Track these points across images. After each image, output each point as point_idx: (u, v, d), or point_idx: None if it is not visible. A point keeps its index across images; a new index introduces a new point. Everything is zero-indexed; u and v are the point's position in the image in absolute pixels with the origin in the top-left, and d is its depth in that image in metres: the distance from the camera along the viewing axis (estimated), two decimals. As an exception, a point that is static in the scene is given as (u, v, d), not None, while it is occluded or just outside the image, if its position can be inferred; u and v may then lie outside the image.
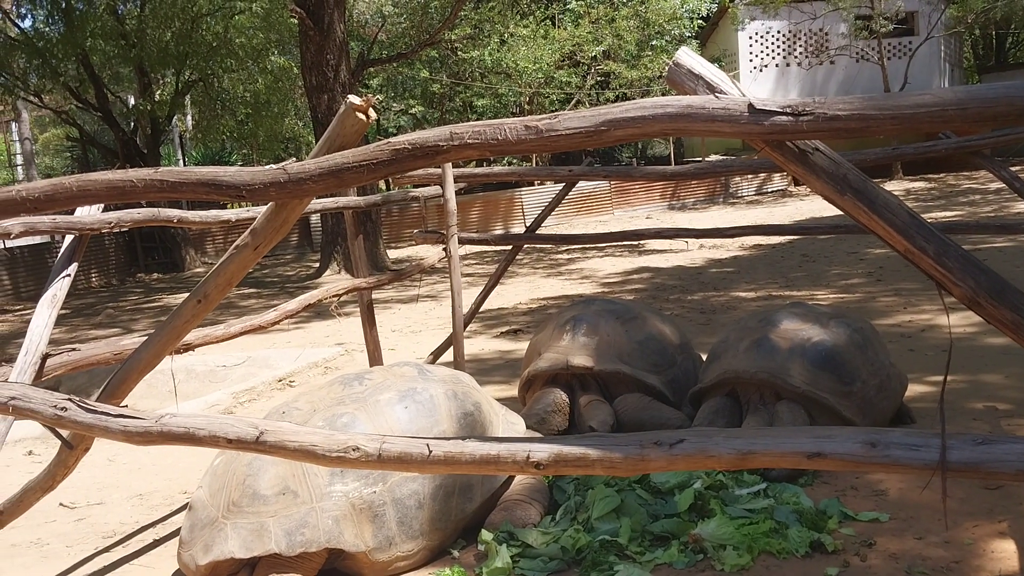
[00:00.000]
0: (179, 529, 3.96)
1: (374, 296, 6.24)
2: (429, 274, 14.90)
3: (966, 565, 3.40)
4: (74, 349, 3.66)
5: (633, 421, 5.05)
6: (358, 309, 6.46)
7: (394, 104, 28.66)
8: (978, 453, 1.85)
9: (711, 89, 2.01)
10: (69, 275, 3.73)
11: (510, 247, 7.11)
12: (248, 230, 2.63)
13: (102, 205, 3.83)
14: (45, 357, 3.50)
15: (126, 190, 2.45)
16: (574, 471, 2.18)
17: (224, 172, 2.33)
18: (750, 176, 26.30)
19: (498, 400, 4.71)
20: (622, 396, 5.19)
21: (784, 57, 27.80)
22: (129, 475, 5.80)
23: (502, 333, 9.57)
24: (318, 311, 11.91)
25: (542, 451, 2.15)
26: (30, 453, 6.51)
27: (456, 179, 6.00)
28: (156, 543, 4.54)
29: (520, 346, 8.44)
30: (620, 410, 5.12)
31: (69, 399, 2.59)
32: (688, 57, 2.05)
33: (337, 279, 16.24)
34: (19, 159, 31.89)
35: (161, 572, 4.12)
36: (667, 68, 2.09)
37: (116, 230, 3.99)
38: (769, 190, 26.80)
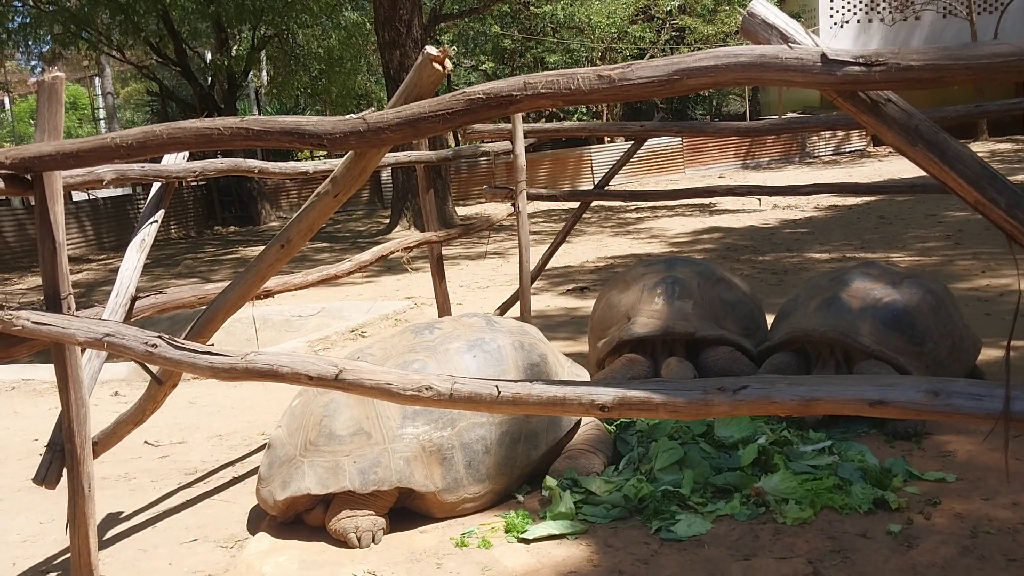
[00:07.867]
0: (257, 467, 4.14)
1: (442, 253, 6.35)
2: (497, 231, 14.99)
3: (1033, 527, 3.38)
4: (161, 292, 3.84)
5: (724, 371, 4.98)
6: (427, 264, 6.57)
7: (465, 60, 28.62)
8: (1044, 404, 1.85)
9: (785, 39, 2.02)
10: (156, 221, 3.91)
11: (578, 205, 7.12)
12: (328, 179, 2.73)
13: (187, 154, 3.99)
14: (134, 299, 3.68)
15: (213, 137, 2.57)
16: (638, 414, 2.24)
17: (307, 121, 2.42)
18: (827, 135, 25.68)
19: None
20: (713, 348, 5.11)
21: (866, 13, 26.84)
22: (209, 417, 6.07)
23: (568, 290, 9.62)
24: (388, 265, 12.13)
25: (607, 394, 2.21)
26: (116, 393, 6.84)
27: (525, 134, 6.01)
28: (235, 480, 4.76)
29: (586, 304, 8.48)
30: (712, 360, 5.06)
31: (160, 336, 2.74)
32: (762, 7, 2.06)
33: (407, 235, 16.44)
34: (102, 113, 32.86)
35: (240, 507, 4.33)
36: (742, 19, 2.10)
37: (200, 179, 4.15)
38: (847, 150, 26.12)
